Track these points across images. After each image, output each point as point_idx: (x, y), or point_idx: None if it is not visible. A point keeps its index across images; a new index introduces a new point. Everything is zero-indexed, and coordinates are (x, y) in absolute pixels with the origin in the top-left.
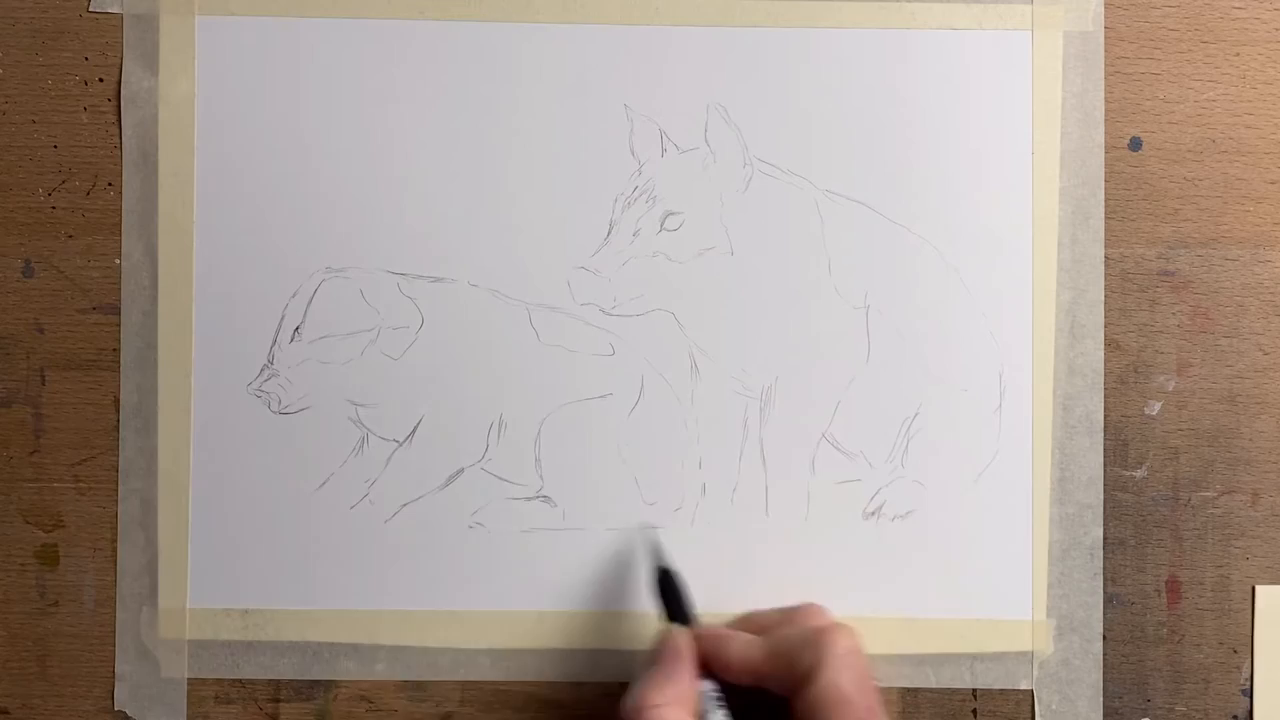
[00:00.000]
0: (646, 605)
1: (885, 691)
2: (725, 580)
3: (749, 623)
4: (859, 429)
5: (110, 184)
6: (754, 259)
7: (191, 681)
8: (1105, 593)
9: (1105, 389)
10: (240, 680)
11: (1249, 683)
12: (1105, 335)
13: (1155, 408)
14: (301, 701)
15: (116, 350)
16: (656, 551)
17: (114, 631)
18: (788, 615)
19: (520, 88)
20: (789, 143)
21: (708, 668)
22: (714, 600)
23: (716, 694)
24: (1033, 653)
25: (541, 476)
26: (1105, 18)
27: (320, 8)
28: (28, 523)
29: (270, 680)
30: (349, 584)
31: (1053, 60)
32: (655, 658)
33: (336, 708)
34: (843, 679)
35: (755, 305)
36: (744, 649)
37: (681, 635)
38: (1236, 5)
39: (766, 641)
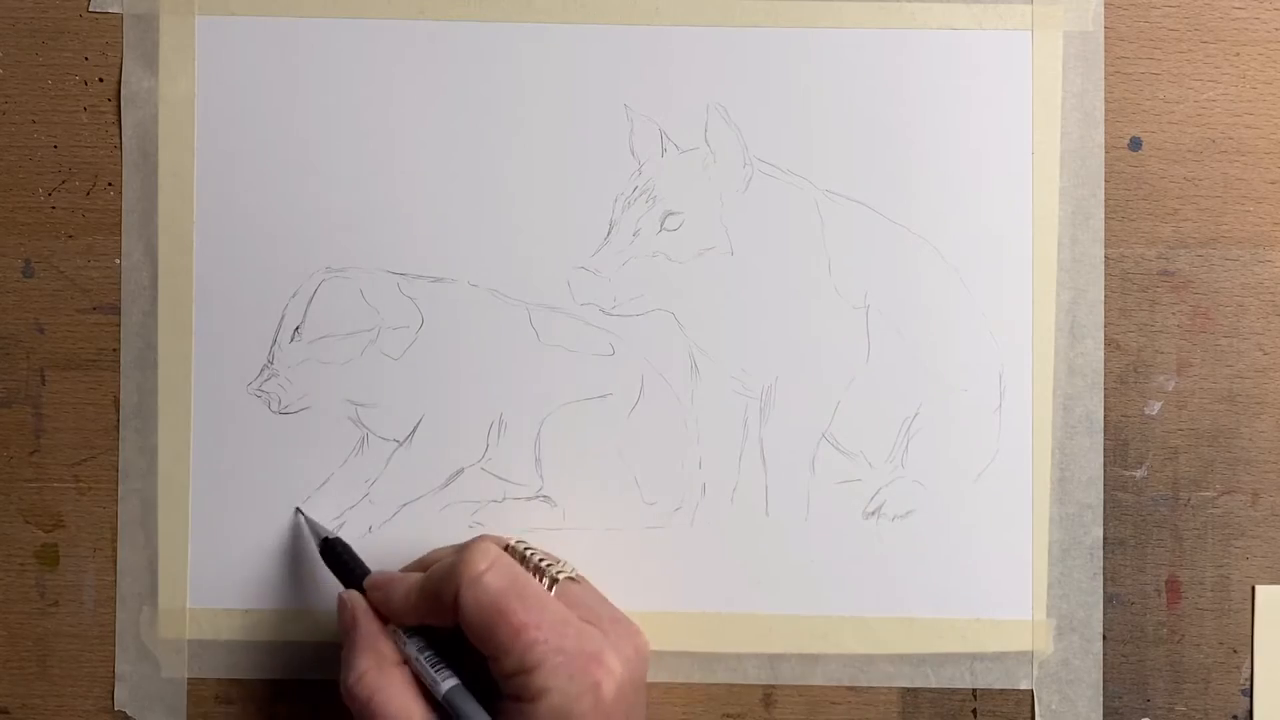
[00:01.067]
0: (647, 605)
1: (885, 692)
2: (725, 580)
3: (422, 563)
4: (859, 429)
5: (110, 184)
6: (754, 259)
7: (191, 681)
8: (1105, 593)
9: (1105, 389)
10: (240, 680)
11: (1249, 683)
12: (1105, 335)
13: (1155, 408)
14: (301, 701)
15: (116, 350)
16: (314, 527)
17: (114, 631)
18: (455, 550)
19: (520, 88)
20: (789, 143)
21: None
22: (713, 600)
23: (406, 631)
24: (1033, 653)
25: (541, 476)
26: (1105, 18)
27: (320, 8)
28: (28, 523)
29: (270, 680)
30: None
31: (1053, 60)
32: (340, 629)
33: (337, 708)
34: (485, 599)
35: (755, 305)
36: (404, 591)
37: (352, 596)
38: (1236, 5)
39: (420, 580)
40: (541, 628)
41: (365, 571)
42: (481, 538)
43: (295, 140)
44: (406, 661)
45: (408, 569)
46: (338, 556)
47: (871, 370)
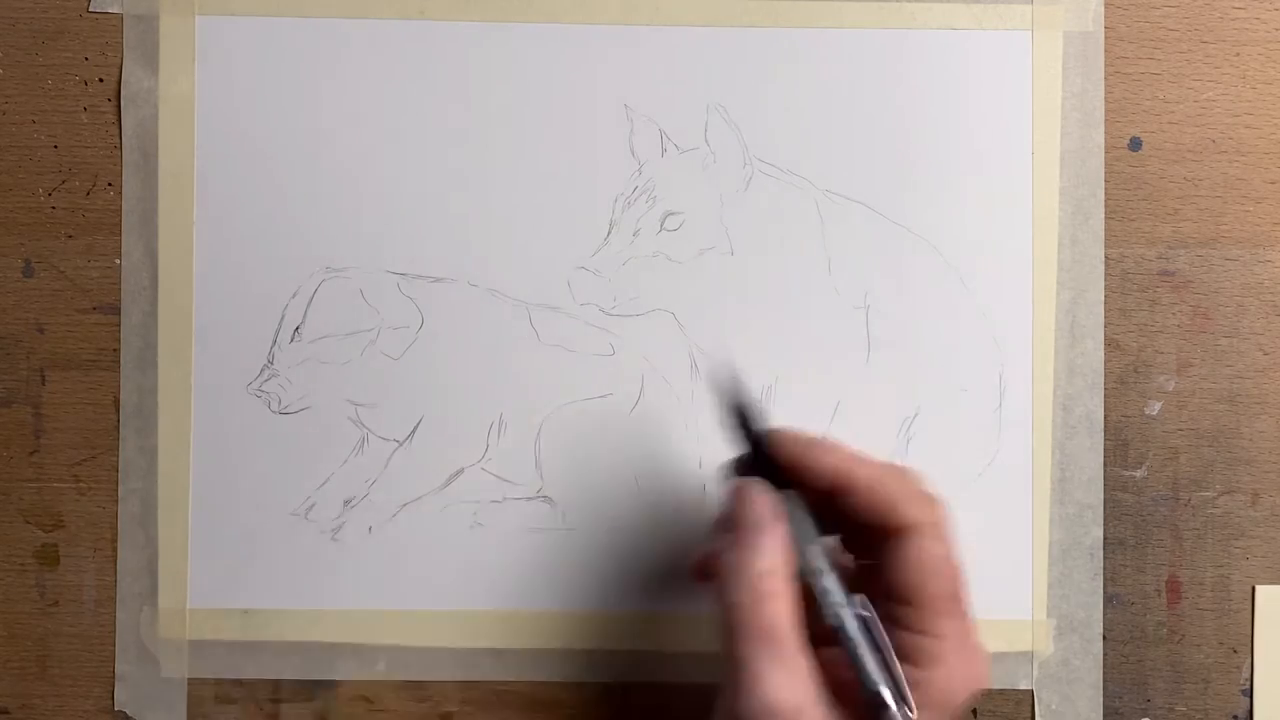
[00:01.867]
0: (647, 605)
1: None
2: None
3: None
4: (859, 429)
5: (110, 184)
6: (754, 259)
7: (191, 681)
8: (1105, 593)
9: (1105, 389)
10: (240, 680)
11: (1249, 683)
12: (1105, 335)
13: (1155, 408)
14: (301, 701)
15: (116, 350)
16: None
17: (114, 631)
18: (888, 470)
19: (520, 88)
20: (789, 143)
21: (789, 474)
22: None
23: (819, 545)
24: (1033, 653)
25: (541, 476)
26: (1105, 18)
27: (320, 8)
28: (28, 523)
29: (270, 680)
30: (349, 584)
31: (1053, 60)
32: (736, 514)
33: (336, 708)
34: (936, 551)
35: (755, 305)
36: (839, 460)
37: (758, 488)
38: (1236, 5)
39: (865, 469)
40: (961, 605)
41: (764, 429)
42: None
43: (295, 140)
44: (805, 579)
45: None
46: (746, 420)
47: (871, 370)
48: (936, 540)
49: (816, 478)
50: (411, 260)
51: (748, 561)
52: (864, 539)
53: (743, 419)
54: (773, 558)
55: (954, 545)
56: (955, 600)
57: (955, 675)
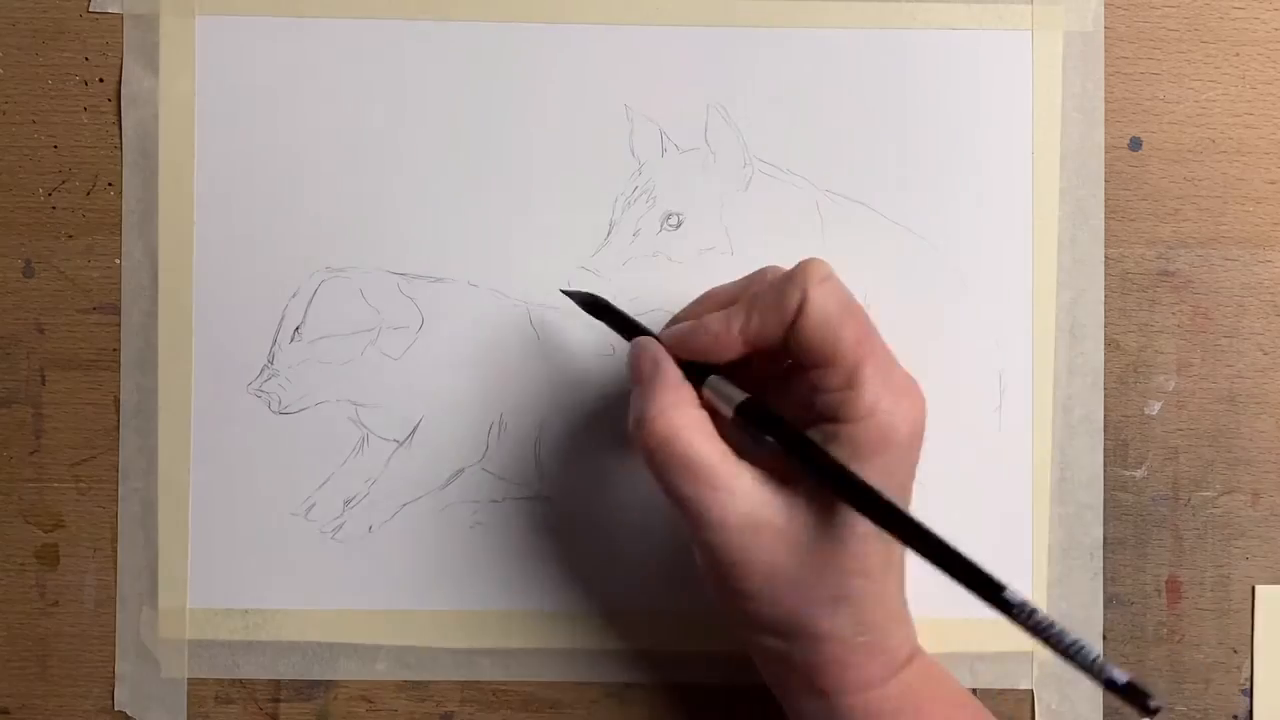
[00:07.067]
0: (647, 605)
1: None
2: None
3: (706, 303)
4: None
5: (110, 184)
6: (754, 259)
7: (191, 681)
8: (1105, 593)
9: (1105, 389)
10: (240, 680)
11: (1249, 683)
12: (1105, 335)
13: (1155, 408)
14: (301, 701)
15: (116, 350)
16: (580, 295)
17: (114, 631)
18: (749, 280)
19: (520, 88)
20: (789, 143)
21: (701, 361)
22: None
23: (717, 375)
24: (1033, 653)
25: (541, 476)
26: (1105, 18)
27: (320, 8)
28: (28, 523)
29: (270, 680)
30: (349, 584)
31: (1053, 60)
32: (633, 375)
33: (336, 708)
34: (831, 303)
35: None
36: (721, 324)
37: (650, 341)
38: (1236, 5)
39: (740, 307)
40: (874, 345)
41: (641, 326)
42: (775, 266)
43: (295, 140)
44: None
45: (685, 314)
46: (610, 310)
47: None
48: (827, 289)
49: (709, 352)
50: (411, 260)
51: (637, 414)
52: (800, 381)
53: (610, 314)
54: (661, 397)
55: (846, 293)
56: (863, 342)
57: (891, 414)
